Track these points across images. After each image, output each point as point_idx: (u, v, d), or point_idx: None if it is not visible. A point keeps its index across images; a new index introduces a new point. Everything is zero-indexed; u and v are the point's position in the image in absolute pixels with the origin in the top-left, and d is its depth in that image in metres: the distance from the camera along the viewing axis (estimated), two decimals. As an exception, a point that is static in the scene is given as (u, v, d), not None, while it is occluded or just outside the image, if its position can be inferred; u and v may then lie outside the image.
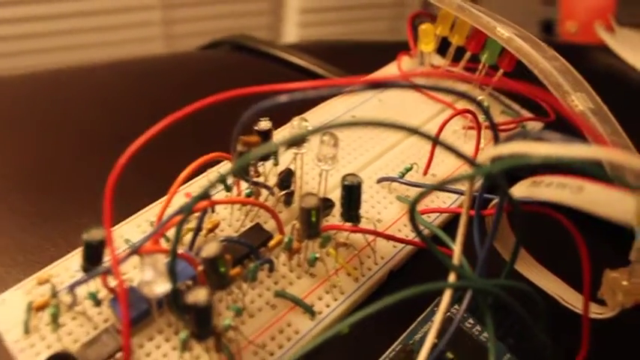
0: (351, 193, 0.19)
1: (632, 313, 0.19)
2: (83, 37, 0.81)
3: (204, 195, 0.14)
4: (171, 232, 0.19)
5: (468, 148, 0.26)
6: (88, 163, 0.26)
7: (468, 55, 0.29)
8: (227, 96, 0.16)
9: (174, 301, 0.16)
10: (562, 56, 0.24)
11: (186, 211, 0.16)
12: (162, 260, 0.16)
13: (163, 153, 0.23)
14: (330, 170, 0.20)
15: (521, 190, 0.18)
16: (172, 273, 0.16)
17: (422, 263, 0.22)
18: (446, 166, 0.25)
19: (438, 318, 0.18)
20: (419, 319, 0.21)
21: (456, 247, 0.18)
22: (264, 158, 0.21)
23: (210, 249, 0.16)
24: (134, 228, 0.21)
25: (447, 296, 0.17)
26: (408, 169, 0.24)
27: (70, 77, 0.33)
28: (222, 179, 0.14)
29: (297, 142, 0.19)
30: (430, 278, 0.16)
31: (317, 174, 0.22)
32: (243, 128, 0.17)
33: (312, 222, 0.18)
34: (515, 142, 0.15)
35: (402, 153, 0.26)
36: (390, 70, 0.31)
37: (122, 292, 0.15)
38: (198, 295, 0.15)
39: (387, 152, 0.26)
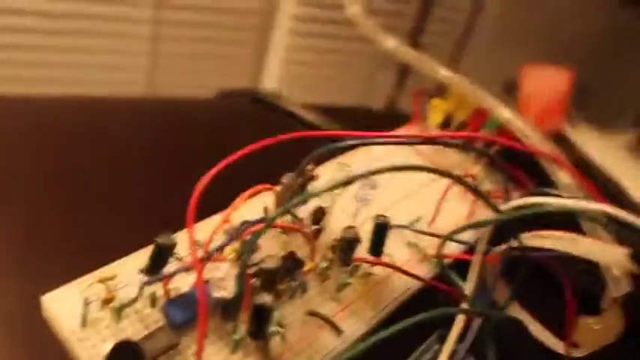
0: (381, 230, 0.23)
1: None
2: (59, 71, 0.82)
3: (286, 210, 0.17)
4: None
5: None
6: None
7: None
8: (283, 138, 0.20)
9: (236, 304, 0.19)
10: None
11: (269, 222, 0.18)
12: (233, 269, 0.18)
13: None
14: (362, 209, 0.24)
15: (527, 239, 0.21)
16: (239, 280, 0.18)
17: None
18: (450, 219, 0.29)
19: (449, 343, 0.21)
20: (420, 349, 0.24)
21: (469, 282, 0.21)
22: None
23: (272, 262, 0.19)
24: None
25: (459, 322, 0.21)
26: (417, 220, 0.28)
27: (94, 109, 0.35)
28: (300, 201, 0.17)
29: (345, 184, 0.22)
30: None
31: (341, 212, 0.25)
32: (307, 163, 0.20)
33: (350, 251, 0.21)
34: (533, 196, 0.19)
35: (411, 204, 0.30)
36: (396, 134, 0.35)
37: (202, 291, 0.17)
38: (265, 298, 0.18)
39: (398, 202, 0.29)
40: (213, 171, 0.19)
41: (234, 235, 0.20)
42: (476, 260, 0.22)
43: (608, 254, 0.19)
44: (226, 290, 0.19)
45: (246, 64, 0.97)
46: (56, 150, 0.29)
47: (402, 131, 0.36)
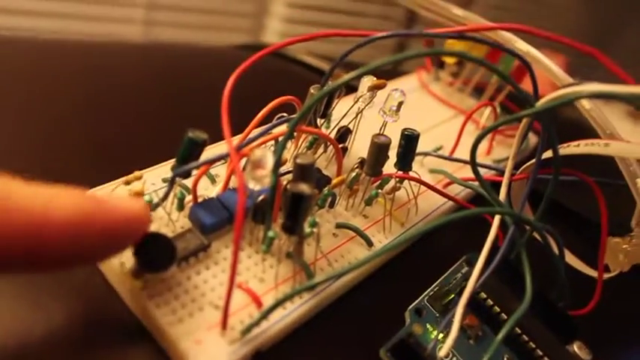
0: (410, 142, 0.22)
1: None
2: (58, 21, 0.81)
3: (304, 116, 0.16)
4: (215, 172, 0.21)
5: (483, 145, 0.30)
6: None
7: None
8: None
9: (270, 201, 0.18)
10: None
11: (292, 126, 0.18)
12: (270, 160, 0.17)
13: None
14: (390, 123, 0.23)
15: (561, 149, 0.21)
16: (275, 172, 0.18)
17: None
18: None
19: (486, 248, 0.20)
20: (449, 270, 0.23)
21: (502, 190, 0.21)
22: (324, 115, 0.24)
23: (306, 158, 0.18)
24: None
25: (496, 222, 0.20)
26: (438, 148, 0.27)
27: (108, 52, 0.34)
28: (317, 100, 0.17)
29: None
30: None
31: (369, 135, 0.24)
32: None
33: (380, 158, 0.21)
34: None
35: (432, 135, 0.29)
36: (408, 81, 0.35)
37: (241, 181, 0.16)
38: (303, 187, 0.17)
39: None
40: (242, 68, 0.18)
41: (269, 128, 0.19)
42: (507, 175, 0.21)
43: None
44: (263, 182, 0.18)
45: (247, 20, 0.96)
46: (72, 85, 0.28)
47: (412, 77, 0.36)
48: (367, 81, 0.22)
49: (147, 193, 0.19)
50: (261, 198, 0.19)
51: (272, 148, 0.21)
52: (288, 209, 0.18)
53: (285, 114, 0.20)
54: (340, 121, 0.24)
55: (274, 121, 0.19)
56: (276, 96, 0.22)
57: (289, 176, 0.20)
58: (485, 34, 0.29)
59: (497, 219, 0.21)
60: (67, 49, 0.32)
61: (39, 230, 0.13)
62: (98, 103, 0.27)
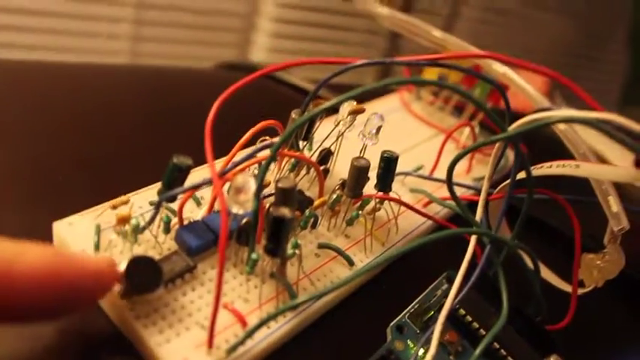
0: (389, 164, 0.23)
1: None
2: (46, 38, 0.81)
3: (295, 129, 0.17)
4: (200, 194, 0.22)
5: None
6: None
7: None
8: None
9: (253, 225, 0.19)
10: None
11: (274, 151, 0.19)
12: (252, 185, 0.18)
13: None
14: (370, 145, 0.24)
15: (534, 170, 0.22)
16: (257, 196, 0.18)
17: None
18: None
19: (463, 266, 0.21)
20: (429, 288, 0.24)
21: (479, 210, 0.22)
22: (306, 137, 0.25)
23: (287, 182, 0.19)
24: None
25: (472, 241, 0.21)
26: (419, 168, 0.28)
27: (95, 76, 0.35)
28: (297, 127, 0.18)
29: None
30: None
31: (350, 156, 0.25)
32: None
33: (360, 180, 0.22)
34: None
35: (413, 155, 0.30)
36: (391, 100, 0.36)
37: (224, 206, 0.17)
38: (284, 211, 0.18)
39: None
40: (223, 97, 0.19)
41: (251, 155, 0.20)
42: (483, 196, 0.22)
43: (610, 171, 0.20)
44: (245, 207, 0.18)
45: (234, 36, 0.97)
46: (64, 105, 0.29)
47: (394, 97, 0.37)
48: (347, 106, 0.23)
49: (134, 216, 0.20)
50: (245, 220, 0.20)
51: (255, 171, 0.22)
52: (270, 232, 0.18)
53: (267, 138, 0.21)
54: (322, 143, 0.25)
55: (257, 145, 0.20)
56: (260, 115, 0.23)
57: (272, 198, 0.21)
58: (464, 53, 0.30)
59: (473, 240, 0.22)
60: (51, 71, 0.33)
61: (3, 284, 0.14)
62: (83, 125, 0.28)
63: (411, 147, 0.32)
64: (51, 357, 0.17)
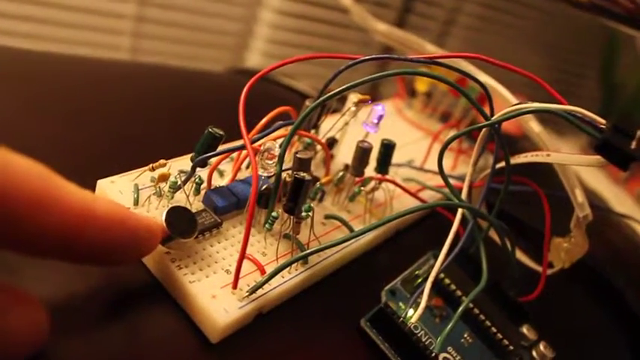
0: (388, 149, 0.26)
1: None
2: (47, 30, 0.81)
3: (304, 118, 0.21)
4: (222, 168, 0.25)
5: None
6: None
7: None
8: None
9: (275, 189, 0.22)
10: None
11: (296, 125, 0.22)
12: (277, 149, 0.21)
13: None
14: (371, 133, 0.27)
15: (512, 159, 0.26)
16: (280, 162, 0.22)
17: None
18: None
19: (449, 238, 0.24)
20: (418, 262, 0.27)
21: (464, 192, 0.25)
22: (315, 125, 0.28)
23: (305, 153, 0.22)
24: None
25: (458, 216, 0.24)
26: (410, 161, 0.32)
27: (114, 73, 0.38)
28: (314, 107, 0.21)
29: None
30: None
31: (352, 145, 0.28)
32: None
33: (363, 161, 0.25)
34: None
35: (405, 151, 0.34)
36: (385, 106, 0.39)
37: (255, 165, 0.20)
38: (304, 174, 0.21)
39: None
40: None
41: (273, 129, 0.23)
42: (467, 180, 0.26)
43: (576, 158, 0.24)
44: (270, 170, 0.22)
45: (231, 39, 0.99)
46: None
47: (388, 103, 0.40)
48: (353, 97, 0.27)
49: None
50: (264, 187, 0.23)
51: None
52: (290, 193, 0.21)
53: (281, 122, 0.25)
54: (328, 132, 0.28)
55: (279, 122, 0.23)
56: (262, 114, 0.26)
57: (288, 172, 0.24)
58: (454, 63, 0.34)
59: (458, 215, 0.25)
60: (92, 65, 0.36)
61: (84, 219, 0.15)
62: (126, 109, 0.31)
63: (404, 145, 0.35)
64: (97, 297, 0.20)
